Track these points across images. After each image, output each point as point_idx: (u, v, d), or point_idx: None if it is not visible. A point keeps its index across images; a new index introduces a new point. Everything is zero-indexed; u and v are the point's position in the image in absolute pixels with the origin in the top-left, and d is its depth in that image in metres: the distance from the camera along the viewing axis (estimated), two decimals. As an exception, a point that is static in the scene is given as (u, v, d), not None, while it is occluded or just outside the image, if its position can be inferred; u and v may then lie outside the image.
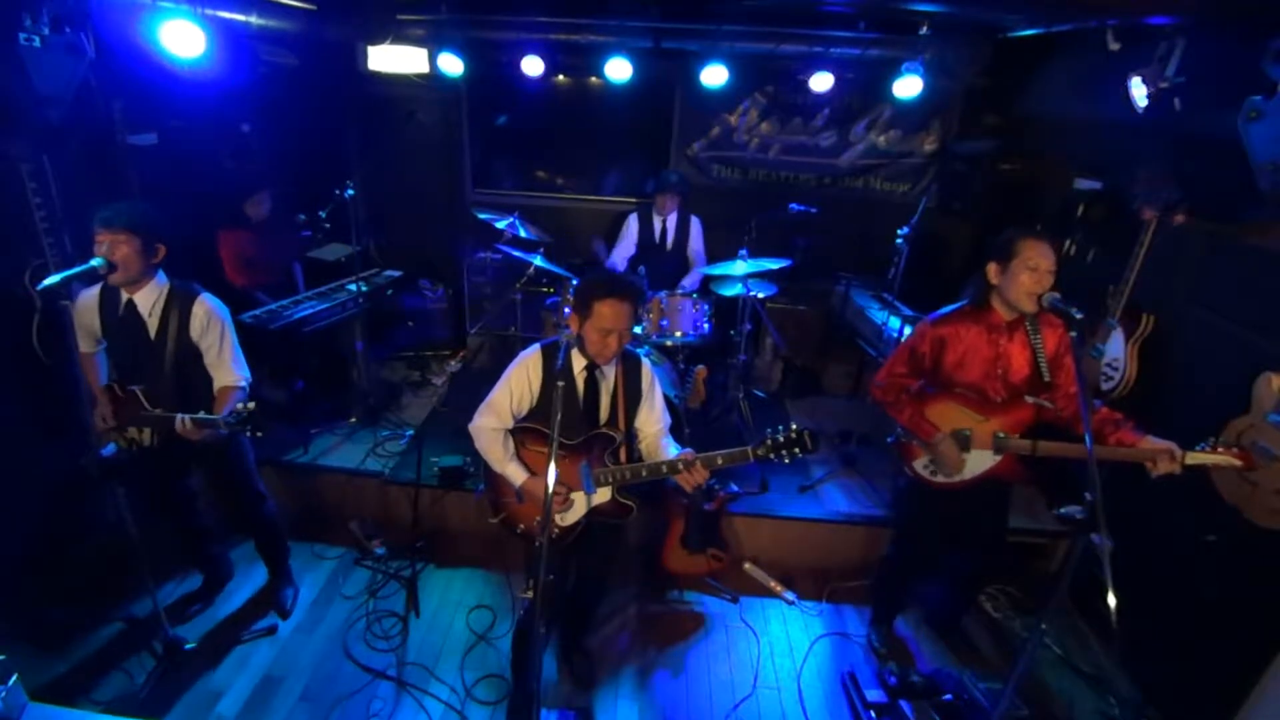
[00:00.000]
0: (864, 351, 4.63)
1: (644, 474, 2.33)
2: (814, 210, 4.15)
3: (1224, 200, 2.83)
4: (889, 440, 2.90)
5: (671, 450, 2.43)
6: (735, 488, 3.66)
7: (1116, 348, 3.26)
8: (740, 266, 3.99)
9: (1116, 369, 3.25)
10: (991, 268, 2.49)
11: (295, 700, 2.79)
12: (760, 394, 4.88)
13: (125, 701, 2.67)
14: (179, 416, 2.49)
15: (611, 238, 5.17)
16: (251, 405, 2.47)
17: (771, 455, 2.18)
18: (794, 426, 2.18)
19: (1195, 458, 2.31)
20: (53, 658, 2.85)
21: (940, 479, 2.71)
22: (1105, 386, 3.30)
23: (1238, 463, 2.31)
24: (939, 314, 2.63)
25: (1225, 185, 2.71)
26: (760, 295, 4.12)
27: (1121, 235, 3.20)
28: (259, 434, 2.50)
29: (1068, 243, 3.71)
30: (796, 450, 2.17)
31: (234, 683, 2.84)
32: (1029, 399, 2.57)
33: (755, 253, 4.07)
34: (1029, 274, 2.36)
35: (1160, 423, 2.79)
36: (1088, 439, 1.98)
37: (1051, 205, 4.05)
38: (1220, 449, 2.32)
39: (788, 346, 4.90)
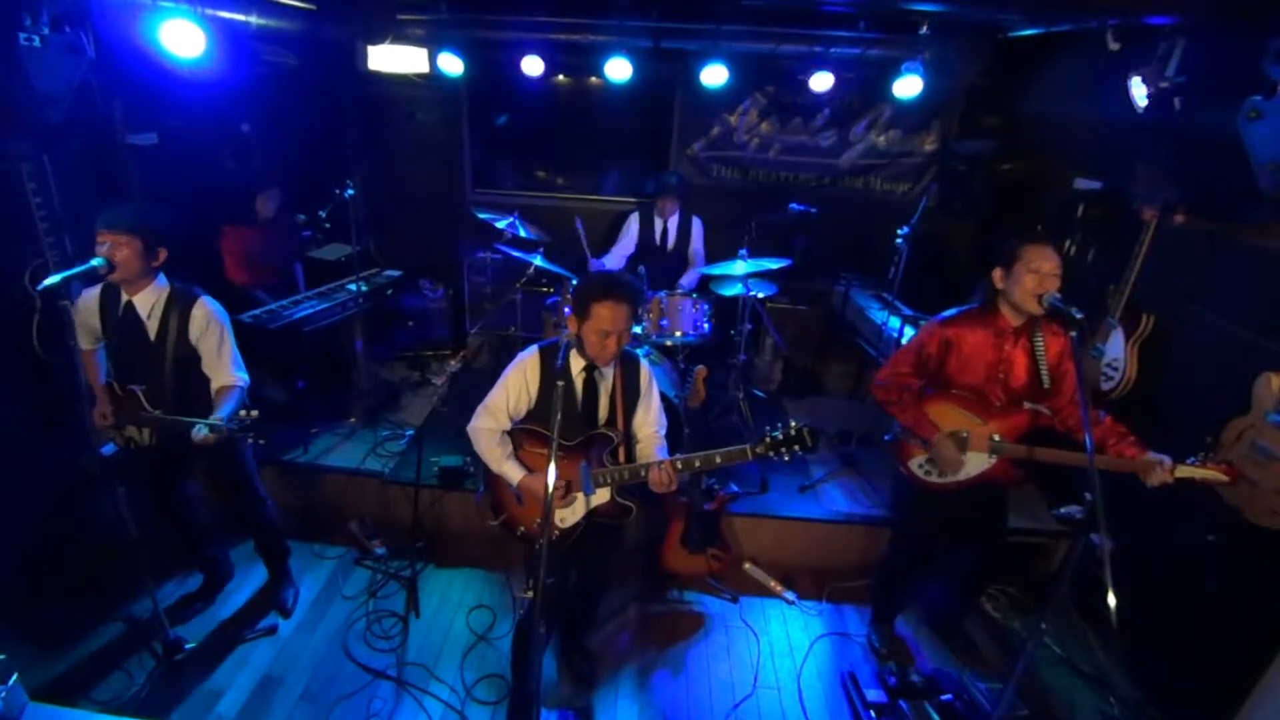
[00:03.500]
0: (864, 351, 4.63)
1: (642, 474, 2.33)
2: (814, 210, 4.15)
3: (1224, 200, 2.83)
4: (886, 438, 2.90)
5: (662, 455, 2.42)
6: (735, 488, 3.66)
7: (1116, 348, 3.26)
8: (740, 266, 3.99)
9: (1117, 369, 3.26)
10: (996, 273, 2.50)
11: (295, 700, 2.78)
12: (760, 394, 4.88)
13: (125, 702, 2.67)
14: (194, 429, 2.46)
15: (611, 237, 5.16)
16: (255, 413, 2.47)
17: (771, 453, 2.17)
18: (793, 424, 2.17)
19: (1184, 471, 2.34)
20: (53, 658, 2.84)
21: (935, 479, 2.71)
22: (1105, 386, 3.30)
23: (1224, 478, 2.33)
24: (947, 315, 2.63)
25: (1225, 185, 2.71)
26: (760, 295, 4.11)
27: (1122, 235, 3.21)
28: (261, 441, 2.51)
29: (1068, 243, 3.72)
30: (796, 448, 2.16)
31: (234, 682, 2.84)
32: (1027, 405, 2.58)
33: (755, 252, 4.07)
34: (1031, 276, 2.37)
35: (1160, 423, 2.80)
36: (1088, 442, 1.99)
37: (1051, 205, 4.06)
38: (1209, 464, 2.34)
39: (788, 346, 4.90)
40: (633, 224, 4.93)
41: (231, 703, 2.75)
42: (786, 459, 2.17)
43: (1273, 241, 2.70)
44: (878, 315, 4.46)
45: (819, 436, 2.20)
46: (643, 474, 2.32)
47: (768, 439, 2.18)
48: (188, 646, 2.85)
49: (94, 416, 2.72)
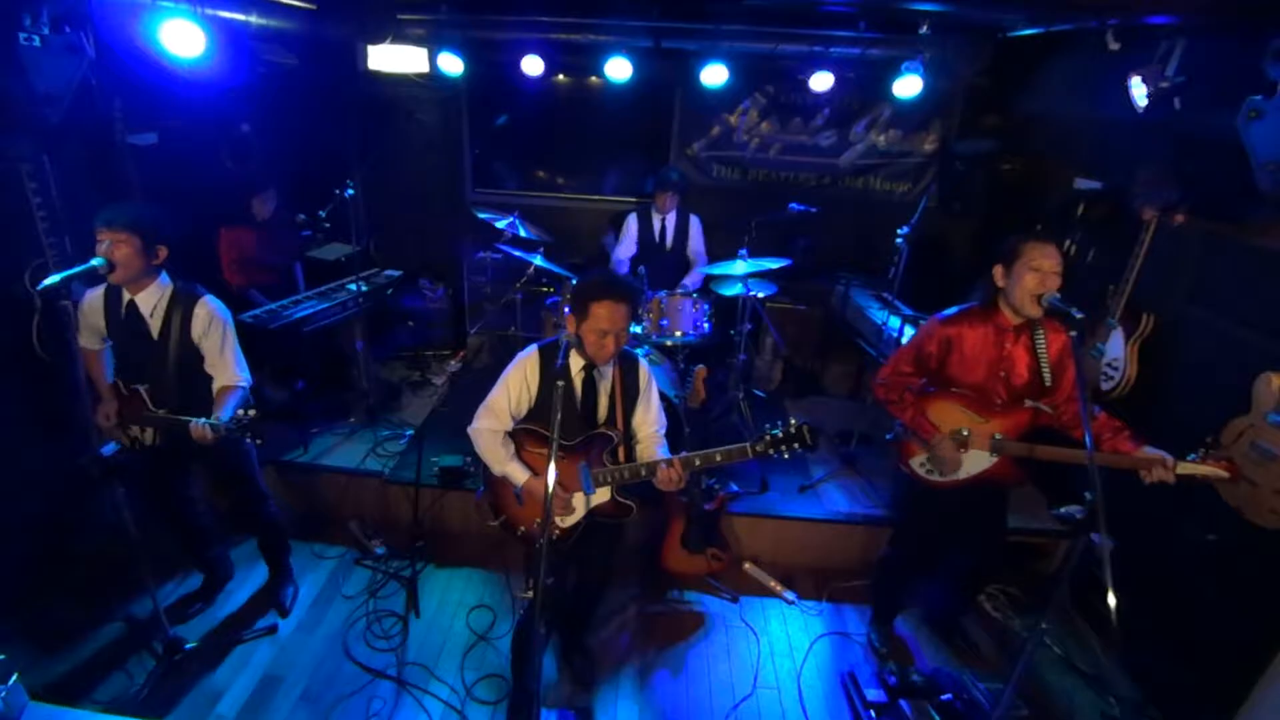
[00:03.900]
0: (864, 351, 4.61)
1: (642, 473, 2.33)
2: (814, 210, 4.15)
3: (1224, 200, 2.82)
4: (887, 437, 2.91)
5: (663, 455, 2.42)
6: (735, 488, 3.66)
7: (1116, 348, 3.26)
8: (740, 266, 3.99)
9: (1116, 369, 3.26)
10: (997, 270, 2.49)
11: (295, 700, 2.79)
12: (760, 394, 4.88)
13: (125, 701, 2.67)
14: (194, 422, 2.48)
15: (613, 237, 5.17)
16: (253, 412, 2.48)
17: (770, 451, 2.18)
18: (792, 422, 2.17)
19: (1185, 468, 2.32)
20: (53, 658, 2.85)
21: (936, 478, 2.71)
22: (1105, 386, 3.30)
23: (1225, 474, 2.30)
24: (948, 313, 2.63)
25: (1225, 185, 2.69)
26: (760, 295, 4.11)
27: (1122, 235, 3.19)
28: (259, 441, 2.52)
29: (1067, 243, 3.71)
30: (795, 445, 2.16)
31: (234, 682, 2.84)
32: (1028, 403, 2.58)
33: (755, 252, 4.07)
34: (1032, 275, 2.37)
35: (1161, 423, 2.78)
36: (1087, 439, 1.98)
37: (1051, 205, 4.04)
38: (1209, 460, 2.32)
39: (788, 346, 4.90)
40: (631, 224, 4.93)
41: (231, 702, 2.75)
42: (786, 456, 2.18)
43: (1273, 241, 2.69)
44: (878, 315, 4.44)
45: (818, 435, 2.20)
46: (643, 473, 2.33)
47: (768, 437, 2.19)
48: (188, 646, 2.85)
49: (98, 417, 2.73)
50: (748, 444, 2.22)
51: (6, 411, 3.04)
